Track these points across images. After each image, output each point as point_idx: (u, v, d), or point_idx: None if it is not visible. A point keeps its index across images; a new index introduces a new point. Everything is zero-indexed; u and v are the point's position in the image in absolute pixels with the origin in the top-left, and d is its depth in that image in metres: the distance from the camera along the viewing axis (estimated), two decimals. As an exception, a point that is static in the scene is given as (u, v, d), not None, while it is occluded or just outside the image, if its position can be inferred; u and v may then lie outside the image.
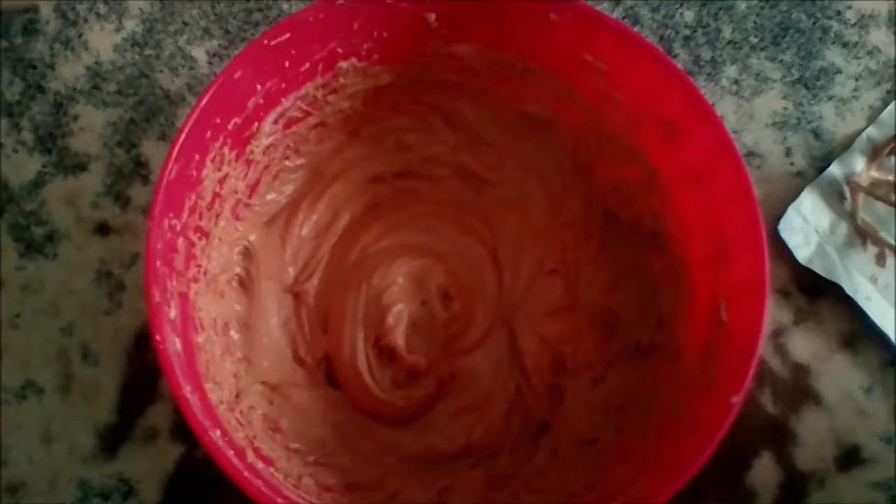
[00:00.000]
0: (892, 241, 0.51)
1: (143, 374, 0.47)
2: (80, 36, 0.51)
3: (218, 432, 0.36)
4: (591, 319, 0.47)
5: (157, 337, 0.35)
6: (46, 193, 0.49)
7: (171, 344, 0.36)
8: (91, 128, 0.50)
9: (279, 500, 0.34)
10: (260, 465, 0.39)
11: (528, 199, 0.48)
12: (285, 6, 0.53)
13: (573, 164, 0.47)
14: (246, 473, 0.35)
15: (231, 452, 0.36)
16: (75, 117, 0.50)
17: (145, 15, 0.52)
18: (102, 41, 0.51)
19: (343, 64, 0.43)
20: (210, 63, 0.52)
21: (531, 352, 0.47)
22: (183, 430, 0.46)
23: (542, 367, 0.47)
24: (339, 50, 0.42)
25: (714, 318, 0.41)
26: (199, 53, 0.52)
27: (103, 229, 0.49)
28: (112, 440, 0.46)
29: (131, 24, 0.52)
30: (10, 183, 0.49)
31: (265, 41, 0.39)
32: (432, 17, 0.42)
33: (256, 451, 0.39)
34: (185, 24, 0.52)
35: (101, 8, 0.52)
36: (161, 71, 0.51)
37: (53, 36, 0.51)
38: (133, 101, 0.51)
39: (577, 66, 0.43)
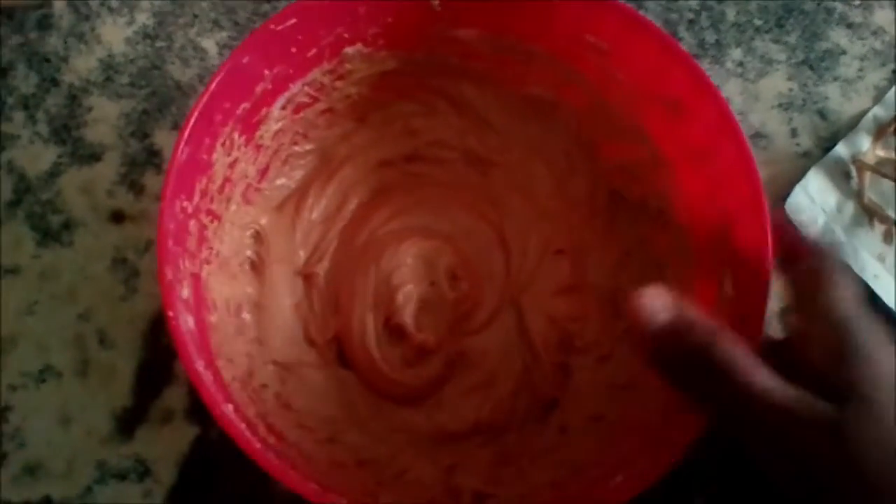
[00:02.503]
0: (900, 220, 0.51)
1: (159, 357, 0.47)
2: (92, 30, 0.52)
3: (230, 406, 0.37)
4: (598, 298, 0.48)
5: (170, 313, 0.36)
6: (62, 183, 0.50)
7: (184, 322, 0.37)
8: (105, 119, 0.51)
9: (291, 471, 0.35)
10: (272, 440, 0.39)
11: (534, 180, 0.49)
12: (293, -4, 0.53)
13: (578, 144, 0.48)
14: (259, 445, 0.36)
15: (244, 426, 0.36)
16: (89, 109, 0.51)
17: (156, 8, 0.53)
18: (115, 34, 0.52)
19: (349, 49, 0.44)
20: (220, 54, 0.52)
21: (539, 331, 0.47)
22: (197, 411, 0.47)
23: (549, 346, 0.47)
24: (346, 35, 0.43)
25: (720, 293, 0.41)
26: (210, 45, 0.52)
27: (118, 217, 0.50)
28: (128, 422, 0.47)
29: (143, 18, 0.53)
30: (26, 173, 0.50)
31: (272, 26, 0.40)
32: (436, 2, 0.43)
33: (269, 427, 0.40)
34: (196, 16, 0.53)
35: (113, 2, 0.53)
36: (172, 62, 0.52)
37: (67, 30, 0.52)
38: (145, 92, 0.51)
39: (580, 47, 0.43)
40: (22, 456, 0.46)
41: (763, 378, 0.33)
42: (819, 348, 0.34)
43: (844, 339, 0.33)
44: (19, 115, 0.51)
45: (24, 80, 0.51)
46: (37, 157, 0.50)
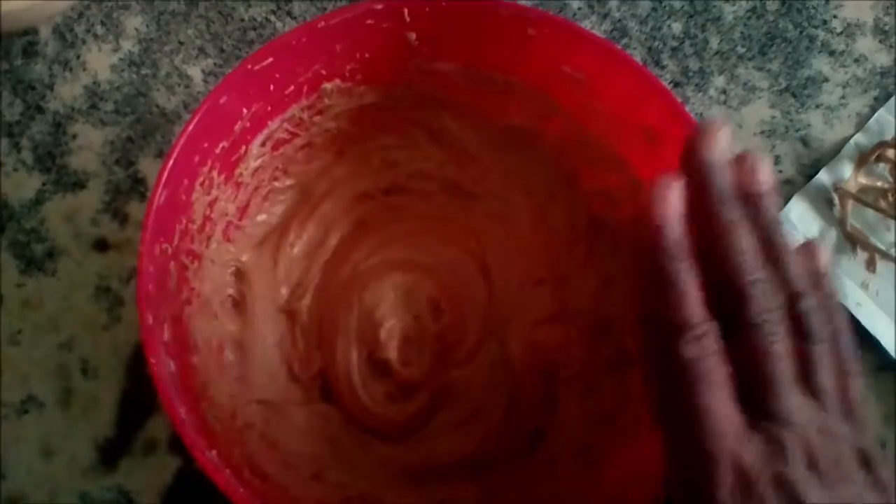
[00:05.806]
0: (882, 247, 0.51)
1: (142, 387, 0.47)
2: (78, 57, 0.52)
3: (214, 452, 0.36)
4: (580, 327, 0.47)
5: (152, 360, 0.36)
6: (46, 211, 0.50)
7: (166, 366, 0.37)
8: (89, 146, 0.51)
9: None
10: (256, 482, 0.39)
11: (515, 210, 0.49)
12: (279, 25, 0.53)
13: (557, 173, 0.48)
14: (242, 490, 0.36)
15: (228, 471, 0.36)
16: (74, 136, 0.51)
17: (142, 35, 0.53)
18: (100, 61, 0.52)
19: (327, 85, 0.44)
20: (205, 81, 0.52)
21: (523, 361, 0.47)
22: (181, 442, 0.46)
23: (534, 376, 0.47)
24: (323, 72, 0.43)
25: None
26: (195, 72, 0.53)
27: (102, 245, 0.50)
28: (111, 453, 0.47)
29: (128, 45, 0.53)
30: (10, 201, 0.50)
31: (248, 66, 0.40)
32: (413, 36, 0.43)
33: (253, 469, 0.40)
34: (181, 43, 0.53)
35: (99, 29, 0.53)
36: (157, 90, 0.52)
37: (52, 57, 0.52)
38: (130, 119, 0.52)
39: (557, 78, 0.43)
40: (3, 488, 0.46)
41: (723, 401, 0.33)
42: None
43: None
44: (3, 143, 0.51)
45: (9, 108, 0.51)
46: (21, 184, 0.50)
